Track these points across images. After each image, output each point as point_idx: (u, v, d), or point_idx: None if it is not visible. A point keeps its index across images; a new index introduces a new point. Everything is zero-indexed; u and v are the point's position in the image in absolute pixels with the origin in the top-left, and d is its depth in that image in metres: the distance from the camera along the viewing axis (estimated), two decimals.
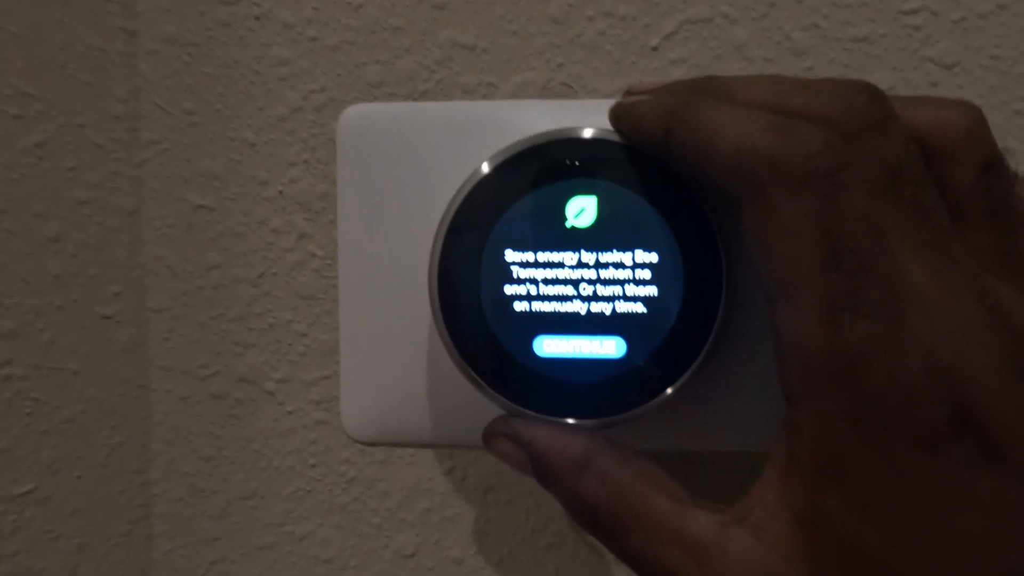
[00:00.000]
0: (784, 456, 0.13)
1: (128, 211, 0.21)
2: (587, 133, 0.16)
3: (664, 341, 0.16)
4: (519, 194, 0.16)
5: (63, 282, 0.20)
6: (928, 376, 0.12)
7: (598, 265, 0.16)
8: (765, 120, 0.13)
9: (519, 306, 0.16)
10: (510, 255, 0.16)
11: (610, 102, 0.16)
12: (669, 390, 0.16)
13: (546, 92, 0.20)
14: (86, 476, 0.20)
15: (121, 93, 0.21)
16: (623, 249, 0.16)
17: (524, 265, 0.16)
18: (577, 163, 0.16)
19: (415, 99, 0.21)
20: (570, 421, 0.16)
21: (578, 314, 0.16)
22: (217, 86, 0.21)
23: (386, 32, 0.20)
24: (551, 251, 0.16)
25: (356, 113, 0.19)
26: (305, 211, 0.21)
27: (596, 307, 0.16)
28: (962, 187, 0.14)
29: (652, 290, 0.16)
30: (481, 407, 0.17)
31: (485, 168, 0.16)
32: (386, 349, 0.19)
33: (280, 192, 0.21)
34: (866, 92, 0.13)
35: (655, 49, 0.20)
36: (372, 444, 0.20)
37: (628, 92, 0.17)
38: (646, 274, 0.16)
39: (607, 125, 0.16)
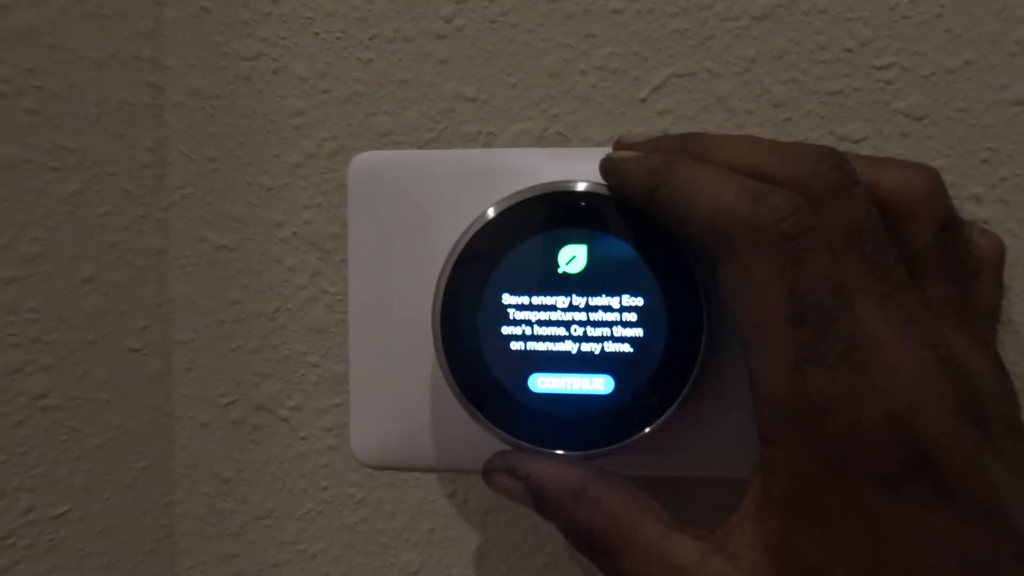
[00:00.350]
0: (759, 491, 0.14)
1: (155, 251, 0.22)
2: (579, 186, 0.17)
3: (650, 378, 0.17)
4: (515, 242, 0.18)
5: (95, 319, 0.21)
6: (886, 422, 0.12)
7: (588, 308, 0.17)
8: (739, 184, 0.14)
9: (515, 345, 0.18)
10: (507, 298, 0.18)
11: (602, 151, 0.17)
12: (654, 424, 0.17)
13: (542, 141, 0.21)
14: (115, 498, 0.22)
15: (149, 143, 0.22)
16: (611, 294, 0.17)
17: (520, 308, 0.18)
18: (567, 214, 0.17)
19: (420, 147, 0.22)
20: (562, 453, 0.17)
21: (570, 353, 0.17)
22: (237, 135, 0.22)
23: (394, 85, 0.22)
24: (545, 295, 0.18)
25: (365, 160, 0.20)
26: (318, 251, 0.22)
27: (586, 347, 0.17)
28: (921, 244, 0.15)
29: (638, 332, 0.17)
30: (481, 435, 0.18)
31: (485, 217, 0.18)
32: (393, 380, 0.20)
33: (295, 233, 0.22)
34: (831, 159, 0.14)
35: (643, 101, 0.21)
36: (379, 468, 0.21)
37: (618, 142, 0.18)
38: (632, 317, 0.17)
39: (598, 175, 0.17)
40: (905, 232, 0.15)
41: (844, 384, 0.13)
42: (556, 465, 0.17)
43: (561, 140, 0.21)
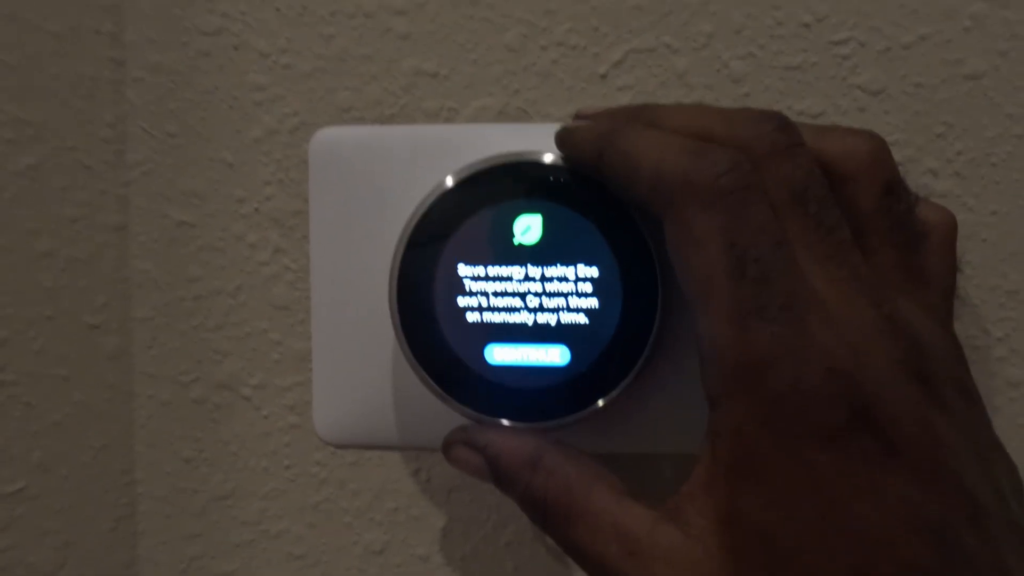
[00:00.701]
0: (708, 456, 0.14)
1: (115, 227, 0.22)
2: (533, 157, 0.17)
3: (606, 349, 0.17)
4: (470, 213, 0.18)
5: (54, 294, 0.21)
6: (827, 377, 0.12)
7: (543, 279, 0.17)
8: (681, 144, 0.14)
9: (471, 317, 0.18)
10: (462, 269, 0.18)
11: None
12: (610, 395, 0.17)
13: (503, 116, 0.21)
14: (73, 476, 0.21)
15: (109, 118, 0.22)
16: (566, 264, 0.17)
17: (475, 279, 0.18)
18: (523, 185, 0.17)
19: (382, 122, 0.22)
20: (519, 425, 0.17)
21: (525, 324, 0.17)
22: (198, 111, 0.22)
23: (355, 60, 0.22)
24: (500, 265, 0.17)
25: (327, 136, 0.20)
26: (279, 227, 0.22)
27: (542, 318, 0.17)
28: (866, 208, 0.14)
29: (593, 302, 0.17)
30: (443, 412, 0.18)
31: (440, 188, 0.18)
32: (355, 357, 0.20)
33: (256, 209, 0.22)
34: (774, 121, 0.14)
35: (603, 77, 0.21)
36: (342, 446, 0.21)
37: (576, 116, 0.18)
38: (588, 287, 0.17)
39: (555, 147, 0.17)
40: (849, 196, 0.15)
41: (784, 338, 0.13)
42: (514, 435, 0.17)
43: (522, 116, 0.21)
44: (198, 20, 0.22)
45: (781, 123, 0.14)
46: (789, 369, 0.13)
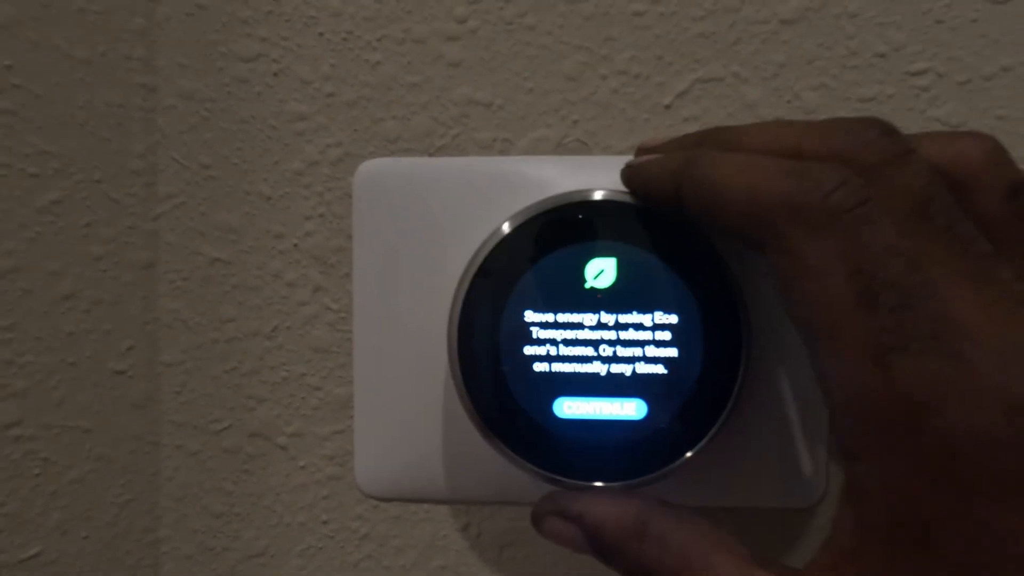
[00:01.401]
0: (851, 520, 0.12)
1: (143, 265, 0.21)
2: (604, 195, 0.16)
3: (686, 401, 0.16)
4: (538, 255, 0.16)
5: (76, 339, 0.19)
6: (1008, 419, 0.10)
7: (618, 326, 0.16)
8: (775, 165, 0.13)
9: (539, 367, 0.16)
10: (530, 316, 0.16)
11: (624, 159, 0.16)
12: (691, 451, 0.16)
13: (561, 148, 0.20)
14: (93, 536, 0.20)
15: (139, 148, 0.21)
16: (643, 310, 0.16)
17: (544, 326, 0.16)
18: (595, 225, 0.16)
19: (431, 154, 0.21)
20: (597, 484, 0.16)
21: (598, 375, 0.16)
22: (234, 140, 0.21)
23: (403, 88, 0.21)
24: (571, 312, 0.16)
25: (372, 168, 0.19)
26: (320, 265, 0.21)
27: (616, 368, 0.16)
28: (991, 215, 0.13)
29: (672, 351, 0.16)
30: (498, 464, 0.17)
31: (504, 229, 0.17)
32: (400, 403, 0.19)
33: (295, 245, 0.21)
34: (877, 127, 0.13)
35: (668, 107, 0.20)
36: (386, 500, 0.20)
37: (640, 148, 0.17)
38: (666, 335, 0.16)
39: (620, 184, 0.16)
40: (970, 205, 0.13)
41: (943, 373, 0.11)
42: (610, 500, 0.15)
43: (581, 148, 0.20)
44: (235, 45, 0.21)
45: (885, 128, 0.13)
46: (956, 411, 0.11)
